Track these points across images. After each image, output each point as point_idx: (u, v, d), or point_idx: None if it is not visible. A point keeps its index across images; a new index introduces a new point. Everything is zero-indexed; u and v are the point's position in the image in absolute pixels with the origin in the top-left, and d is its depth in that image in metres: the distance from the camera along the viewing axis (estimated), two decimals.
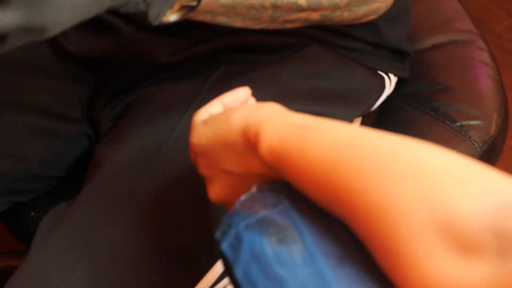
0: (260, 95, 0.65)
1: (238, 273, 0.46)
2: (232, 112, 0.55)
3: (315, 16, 0.72)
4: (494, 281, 0.37)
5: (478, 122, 0.91)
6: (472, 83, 0.96)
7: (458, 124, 0.91)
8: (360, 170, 0.44)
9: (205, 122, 0.57)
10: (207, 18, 0.65)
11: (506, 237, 0.37)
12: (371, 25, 0.84)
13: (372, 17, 0.78)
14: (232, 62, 0.83)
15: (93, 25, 0.84)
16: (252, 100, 0.64)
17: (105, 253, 0.68)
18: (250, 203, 0.50)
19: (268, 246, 0.46)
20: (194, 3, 0.61)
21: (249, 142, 0.52)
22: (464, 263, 0.38)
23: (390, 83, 0.93)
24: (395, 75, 0.94)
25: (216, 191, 0.58)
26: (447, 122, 0.92)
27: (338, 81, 0.86)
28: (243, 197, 0.51)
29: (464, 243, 0.38)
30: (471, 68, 0.97)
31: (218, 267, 0.72)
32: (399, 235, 0.40)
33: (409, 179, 0.41)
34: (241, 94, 0.61)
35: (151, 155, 0.74)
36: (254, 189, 0.52)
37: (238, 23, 0.68)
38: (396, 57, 0.93)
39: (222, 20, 0.66)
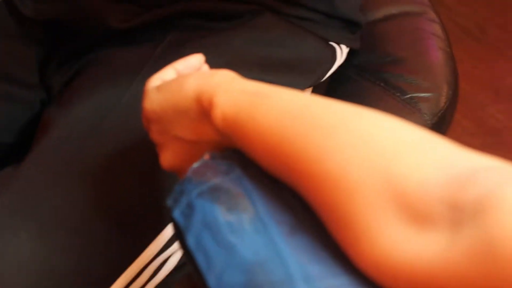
0: (211, 62, 0.66)
1: (190, 240, 0.47)
2: (186, 78, 0.56)
3: None
4: (446, 254, 0.37)
5: (428, 94, 0.93)
6: (423, 54, 0.98)
7: (408, 95, 0.93)
8: (312, 138, 0.45)
9: (158, 88, 0.58)
10: None
11: (459, 209, 0.37)
12: None
13: None
14: (184, 28, 0.84)
15: None
16: (206, 67, 0.64)
17: (49, 218, 0.69)
18: (203, 171, 0.51)
19: (220, 214, 0.47)
20: None
21: (203, 109, 0.53)
22: (417, 234, 0.38)
23: (342, 53, 0.95)
24: (346, 46, 0.95)
25: (167, 158, 0.58)
26: (397, 94, 0.93)
27: (290, 50, 0.87)
28: (195, 165, 0.52)
29: (417, 214, 0.39)
30: (422, 40, 0.99)
31: (167, 232, 0.73)
32: (352, 204, 0.41)
33: (362, 147, 0.42)
34: (195, 61, 0.62)
35: (99, 120, 0.75)
36: (206, 156, 0.53)
37: None
38: (348, 28, 0.95)
39: None
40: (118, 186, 0.72)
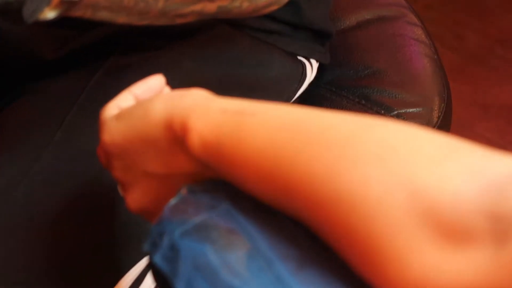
0: None
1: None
2: (150, 103, 0.56)
3: (211, 7, 0.74)
4: (491, 270, 0.37)
5: (418, 109, 0.96)
6: (406, 63, 1.00)
7: (395, 112, 0.95)
8: (318, 155, 0.45)
9: (118, 117, 0.58)
10: (87, 14, 0.66)
11: (501, 220, 0.38)
12: (290, 3, 0.87)
13: (274, 7, 0.81)
14: (126, 50, 0.85)
15: None
16: (168, 89, 0.65)
17: None
18: (182, 208, 0.52)
19: (212, 254, 0.47)
20: None
21: (175, 137, 0.54)
22: (455, 253, 0.39)
23: (312, 69, 0.97)
24: (317, 61, 0.98)
25: (135, 198, 0.59)
26: (382, 111, 0.96)
27: (252, 69, 0.90)
28: (172, 201, 0.52)
29: (450, 230, 0.39)
30: (403, 47, 1.02)
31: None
32: (374, 226, 0.41)
33: (378, 161, 0.43)
34: (155, 83, 0.63)
35: (28, 165, 0.76)
36: (183, 191, 0.53)
37: (122, 18, 0.70)
38: (317, 39, 0.97)
39: (104, 15, 0.68)
40: (64, 244, 0.74)
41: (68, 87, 0.82)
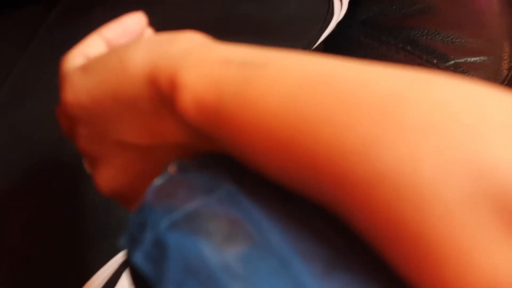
0: None
1: None
2: (127, 50, 0.56)
3: None
4: None
5: (482, 58, 0.94)
6: None
7: (452, 62, 0.94)
8: (351, 121, 0.45)
9: (85, 69, 0.58)
10: None
11: None
12: None
13: None
14: None
15: None
16: (150, 32, 0.65)
17: None
18: (170, 191, 0.52)
19: (209, 251, 0.47)
20: None
21: (160, 95, 0.53)
22: None
23: (342, 4, 0.96)
24: None
25: (107, 177, 0.59)
26: (434, 61, 0.94)
27: (259, 5, 0.89)
28: (157, 182, 0.52)
29: None
30: None
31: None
32: (426, 216, 0.41)
33: (432, 130, 0.42)
34: (132, 23, 0.63)
35: None
36: (172, 168, 0.53)
37: None
38: None
39: None
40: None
41: (15, 29, 0.82)
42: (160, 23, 0.78)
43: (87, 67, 0.58)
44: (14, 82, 0.76)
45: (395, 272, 0.44)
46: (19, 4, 0.84)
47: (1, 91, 0.77)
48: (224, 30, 0.85)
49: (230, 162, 0.52)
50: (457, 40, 0.95)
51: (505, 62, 0.94)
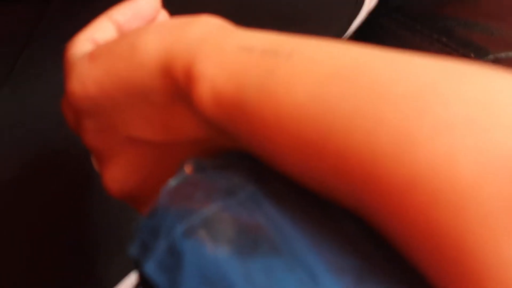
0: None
1: None
2: (140, 36, 0.55)
3: None
4: None
5: None
6: None
7: (491, 56, 0.93)
8: (384, 117, 0.44)
9: (92, 56, 0.57)
10: None
11: None
12: None
13: None
14: None
15: None
16: (165, 15, 0.65)
17: None
18: (186, 192, 0.50)
19: (229, 260, 0.46)
20: None
21: (175, 86, 0.53)
22: None
23: None
24: None
25: (116, 176, 0.58)
26: (472, 55, 0.94)
27: None
28: (172, 183, 0.51)
29: None
30: None
31: None
32: (464, 222, 0.40)
33: (471, 127, 0.41)
34: (145, 5, 0.63)
35: None
36: (188, 168, 0.52)
37: None
38: None
39: None
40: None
41: (17, 16, 0.81)
42: (175, 6, 0.79)
43: (95, 55, 0.57)
44: (16, 75, 0.77)
45: (431, 284, 0.44)
46: None
47: (3, 88, 0.77)
48: (245, 15, 0.86)
49: (251, 161, 0.51)
50: (496, 31, 0.95)
51: None
